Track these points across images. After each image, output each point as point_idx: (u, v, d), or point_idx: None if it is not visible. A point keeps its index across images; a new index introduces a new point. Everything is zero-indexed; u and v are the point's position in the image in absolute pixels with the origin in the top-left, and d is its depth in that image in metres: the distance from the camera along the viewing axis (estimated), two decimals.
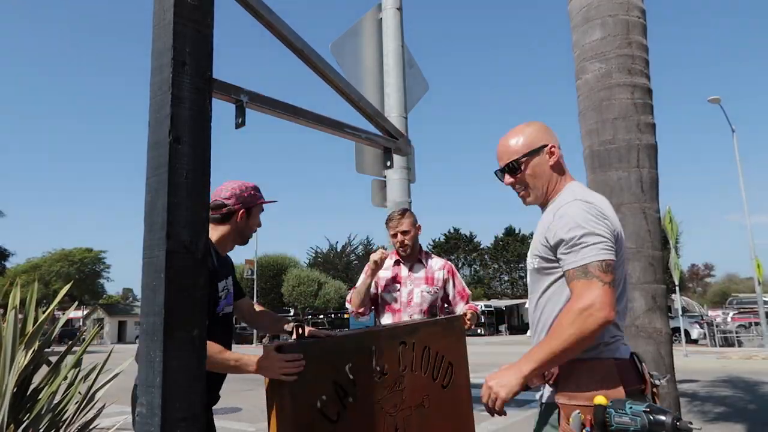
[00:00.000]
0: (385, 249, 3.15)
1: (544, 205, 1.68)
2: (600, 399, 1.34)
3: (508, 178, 1.67)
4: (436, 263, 3.22)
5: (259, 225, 2.21)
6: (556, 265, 1.51)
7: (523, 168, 1.64)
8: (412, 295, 3.09)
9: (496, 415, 1.46)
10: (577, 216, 1.45)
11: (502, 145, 1.68)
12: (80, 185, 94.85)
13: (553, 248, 1.49)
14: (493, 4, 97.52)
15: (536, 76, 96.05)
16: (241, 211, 2.10)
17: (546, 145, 1.64)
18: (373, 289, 3.12)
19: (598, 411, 1.33)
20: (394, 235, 3.10)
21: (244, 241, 2.19)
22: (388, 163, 2.72)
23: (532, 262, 1.60)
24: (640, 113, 3.72)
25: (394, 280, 3.14)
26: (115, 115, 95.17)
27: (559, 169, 1.66)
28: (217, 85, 1.73)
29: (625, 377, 1.41)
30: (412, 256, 3.15)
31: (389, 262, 3.19)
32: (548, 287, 1.54)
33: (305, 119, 2.08)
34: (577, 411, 1.37)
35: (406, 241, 3.09)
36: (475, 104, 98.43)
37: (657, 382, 1.49)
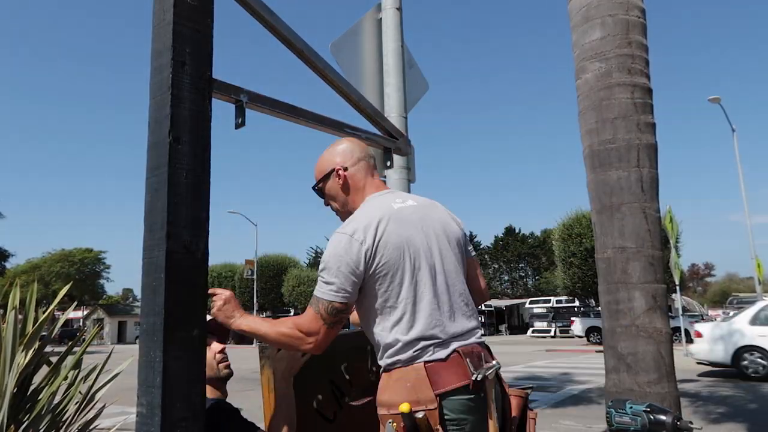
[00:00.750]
0: None
1: None
2: (404, 407, 1.37)
3: (322, 202, 1.82)
4: None
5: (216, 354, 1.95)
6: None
7: (322, 193, 1.79)
8: None
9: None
10: (328, 249, 1.56)
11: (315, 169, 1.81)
12: (80, 185, 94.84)
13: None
14: (493, 4, 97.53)
15: (536, 75, 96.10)
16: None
17: (333, 170, 1.73)
18: None
19: (405, 418, 1.37)
20: None
21: (221, 378, 1.95)
22: (388, 163, 2.72)
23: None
24: (640, 113, 3.72)
25: None
26: (115, 114, 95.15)
27: (349, 188, 1.73)
28: (217, 85, 1.73)
29: (436, 379, 1.43)
30: None
31: None
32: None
33: (305, 119, 2.08)
34: (390, 420, 1.42)
35: None
36: (475, 104, 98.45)
37: (484, 373, 1.47)
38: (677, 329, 17.47)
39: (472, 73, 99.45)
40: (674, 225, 15.59)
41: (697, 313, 28.33)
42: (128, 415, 5.29)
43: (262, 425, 1.76)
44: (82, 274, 48.47)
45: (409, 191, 3.68)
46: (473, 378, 1.43)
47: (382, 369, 1.56)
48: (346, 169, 1.74)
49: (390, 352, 1.51)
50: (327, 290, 1.52)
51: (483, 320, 37.55)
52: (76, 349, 3.07)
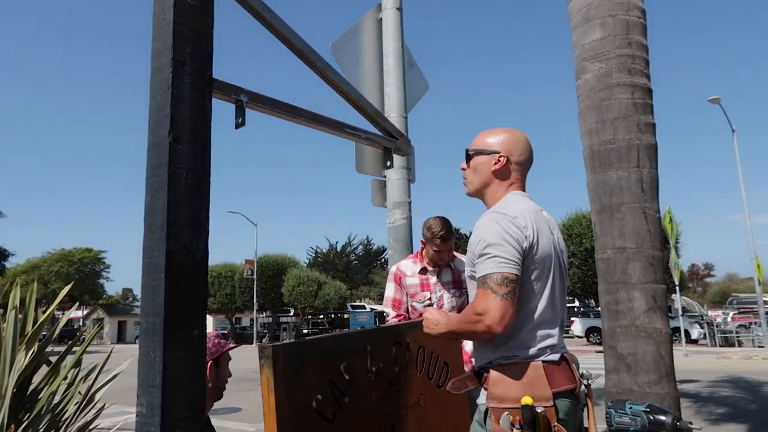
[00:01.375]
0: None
1: (486, 205, 1.80)
2: (526, 399, 1.42)
3: (462, 163, 1.83)
4: (460, 263, 3.17)
5: (230, 375, 2.06)
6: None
7: (470, 161, 1.79)
8: (443, 301, 3.09)
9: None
10: (486, 228, 1.57)
11: (477, 135, 1.82)
12: (80, 185, 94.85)
13: (472, 257, 1.62)
14: (492, 4, 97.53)
15: (536, 75, 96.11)
16: (209, 363, 1.96)
17: (497, 152, 1.74)
18: (403, 298, 3.13)
19: (525, 410, 1.41)
20: (434, 250, 3.02)
21: (219, 396, 2.02)
22: (388, 163, 2.72)
23: (466, 270, 1.72)
24: (640, 113, 3.72)
25: (423, 287, 3.12)
26: (115, 114, 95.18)
27: (501, 175, 1.74)
28: (217, 85, 1.73)
29: (552, 379, 1.50)
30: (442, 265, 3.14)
31: (415, 268, 3.16)
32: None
33: (305, 119, 2.08)
34: (506, 413, 1.45)
35: (443, 257, 3.07)
36: (475, 104, 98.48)
37: (586, 382, 1.59)
38: (677, 329, 17.48)
39: (472, 73, 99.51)
40: (674, 225, 15.59)
41: (696, 314, 28.32)
42: (128, 415, 5.30)
43: (261, 425, 1.76)
44: (82, 273, 48.43)
45: (409, 191, 3.68)
46: (583, 383, 1.55)
47: (490, 362, 1.57)
48: (509, 161, 1.74)
49: (510, 345, 1.55)
50: (494, 264, 1.51)
51: None
52: (75, 348, 3.07)
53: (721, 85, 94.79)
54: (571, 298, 28.99)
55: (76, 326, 46.21)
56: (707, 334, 22.35)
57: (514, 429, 1.43)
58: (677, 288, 16.04)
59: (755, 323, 21.59)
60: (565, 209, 50.46)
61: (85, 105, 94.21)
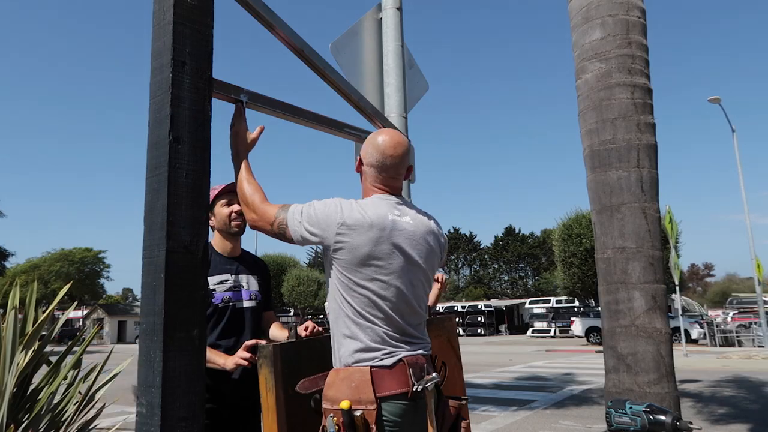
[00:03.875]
0: None
1: None
2: (344, 404, 1.49)
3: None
4: None
5: (233, 213, 2.34)
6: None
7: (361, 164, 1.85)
8: None
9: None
10: (326, 201, 1.71)
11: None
12: (80, 185, 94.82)
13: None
14: (492, 4, 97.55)
15: (536, 75, 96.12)
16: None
17: (361, 156, 1.82)
18: None
19: (345, 414, 1.49)
20: None
21: (232, 233, 2.38)
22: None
23: None
24: (640, 113, 3.72)
25: None
26: (115, 114, 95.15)
27: (363, 177, 1.82)
28: (217, 85, 1.73)
29: (380, 383, 1.55)
30: None
31: None
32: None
33: (305, 119, 2.08)
34: (332, 415, 1.53)
35: None
36: (475, 104, 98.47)
37: (424, 385, 1.60)
38: (677, 329, 17.48)
39: (472, 73, 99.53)
40: (674, 225, 15.59)
41: (696, 314, 28.31)
42: (128, 415, 5.29)
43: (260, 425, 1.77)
44: (81, 273, 48.42)
45: (409, 191, 3.68)
46: (414, 388, 1.57)
47: (335, 364, 1.67)
48: (361, 163, 1.82)
49: (344, 351, 1.63)
50: (298, 220, 1.66)
51: (483, 320, 37.54)
52: (75, 348, 3.07)
53: (721, 85, 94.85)
54: (571, 298, 28.99)
55: (76, 326, 46.18)
56: (707, 334, 22.35)
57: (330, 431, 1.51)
58: (677, 288, 16.03)
59: (755, 323, 21.58)
60: (565, 209, 50.49)
61: (86, 104, 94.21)
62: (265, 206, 1.65)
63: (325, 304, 1.97)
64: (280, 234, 1.65)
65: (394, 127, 2.66)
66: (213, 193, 2.33)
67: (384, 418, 1.52)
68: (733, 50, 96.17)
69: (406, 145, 1.78)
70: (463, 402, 1.78)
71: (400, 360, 1.60)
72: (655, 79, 3.90)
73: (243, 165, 1.78)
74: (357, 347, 1.60)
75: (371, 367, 1.57)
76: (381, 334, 1.61)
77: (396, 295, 1.65)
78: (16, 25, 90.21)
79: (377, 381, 1.55)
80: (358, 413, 1.49)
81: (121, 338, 50.27)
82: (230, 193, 2.36)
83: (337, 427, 1.50)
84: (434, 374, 1.65)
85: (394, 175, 1.77)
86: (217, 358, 2.10)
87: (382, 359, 1.59)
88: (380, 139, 1.77)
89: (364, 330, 1.61)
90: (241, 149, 1.80)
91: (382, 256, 1.64)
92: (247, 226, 1.80)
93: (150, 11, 1.49)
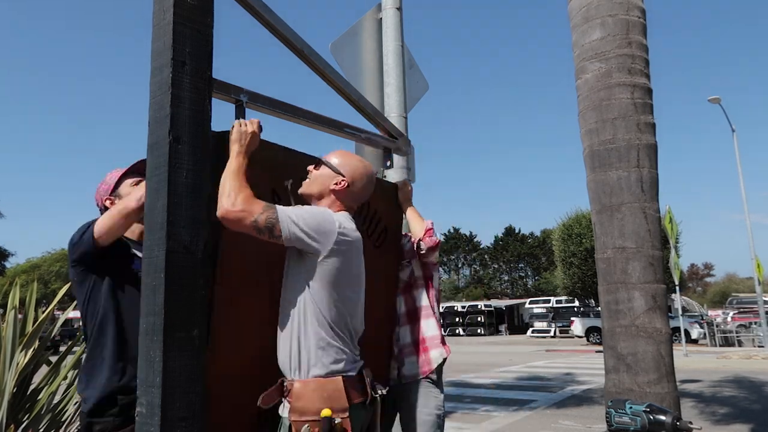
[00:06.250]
0: None
1: None
2: (326, 412, 1.57)
3: (312, 166, 1.89)
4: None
5: (139, 196, 1.94)
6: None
7: (320, 169, 1.87)
8: None
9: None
10: (311, 209, 1.74)
11: (337, 151, 1.92)
12: (80, 185, 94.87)
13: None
14: (492, 4, 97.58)
15: (536, 75, 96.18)
16: (109, 199, 2.08)
17: (343, 176, 1.85)
18: None
19: (325, 422, 1.57)
20: None
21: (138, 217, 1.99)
22: (388, 163, 2.72)
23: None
24: (640, 113, 3.72)
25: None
26: (115, 114, 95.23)
27: (337, 195, 1.85)
28: (217, 85, 1.73)
29: (351, 392, 1.65)
30: None
31: None
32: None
33: (305, 119, 2.08)
34: (306, 425, 1.58)
35: None
36: (475, 104, 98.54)
37: (381, 392, 1.78)
38: (677, 329, 17.48)
39: (472, 73, 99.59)
40: (674, 225, 15.59)
41: (696, 314, 28.30)
42: None
43: None
44: None
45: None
46: (375, 395, 1.72)
47: (294, 376, 1.68)
48: (348, 186, 1.86)
49: (314, 362, 1.66)
50: (291, 219, 1.63)
51: (483, 320, 37.53)
52: (75, 348, 3.07)
53: (721, 85, 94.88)
54: (571, 298, 28.98)
55: (76, 326, 46.17)
56: (707, 334, 22.34)
57: None
58: (677, 288, 16.03)
59: (755, 323, 21.58)
60: (565, 209, 50.51)
61: (86, 104, 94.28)
62: (252, 199, 1.63)
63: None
64: (266, 228, 1.61)
65: (394, 128, 2.66)
66: (117, 174, 2.12)
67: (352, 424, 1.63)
68: (733, 50, 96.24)
69: None
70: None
71: (361, 370, 1.74)
72: (655, 79, 3.91)
73: (243, 161, 1.69)
74: (331, 359, 1.67)
75: (343, 377, 1.66)
76: (349, 347, 1.73)
77: (358, 312, 1.79)
78: (16, 24, 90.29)
79: (348, 390, 1.65)
80: (337, 420, 1.59)
81: None
82: (137, 173, 2.12)
83: None
84: (378, 385, 1.80)
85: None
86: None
87: (349, 370, 1.70)
88: (370, 172, 1.93)
89: (338, 342, 1.69)
90: (250, 148, 1.74)
91: (359, 274, 1.80)
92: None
93: (150, 11, 1.49)
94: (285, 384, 1.70)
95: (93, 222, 1.90)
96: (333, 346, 1.68)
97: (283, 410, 1.67)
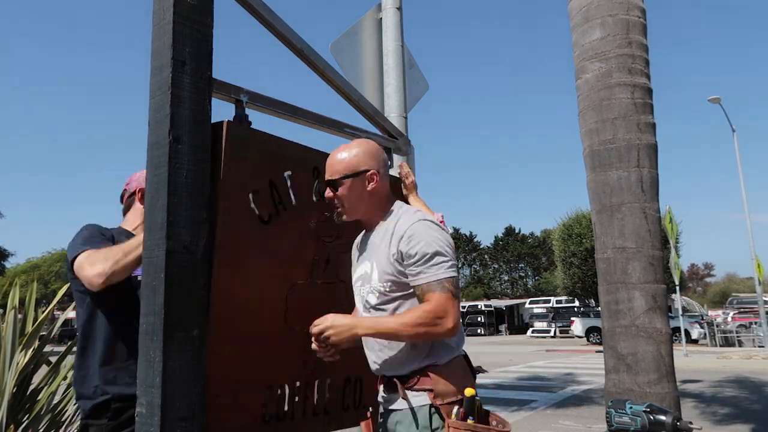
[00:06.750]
0: None
1: (370, 227, 1.78)
2: (469, 391, 1.54)
3: (328, 192, 1.74)
4: None
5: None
6: (406, 281, 1.63)
7: (341, 188, 1.71)
8: None
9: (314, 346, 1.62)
10: (424, 235, 1.60)
11: (330, 158, 1.74)
12: (80, 184, 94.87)
13: (405, 266, 1.62)
14: (492, 4, 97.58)
15: (536, 75, 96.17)
16: (139, 189, 2.04)
17: (367, 170, 1.70)
18: None
19: (468, 402, 1.54)
20: None
21: None
22: (388, 164, 2.71)
23: (382, 285, 1.66)
24: (640, 113, 3.72)
25: None
26: (115, 113, 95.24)
27: (379, 193, 1.73)
28: (217, 85, 1.73)
29: (471, 369, 1.70)
30: None
31: None
32: (398, 306, 1.66)
33: (305, 119, 2.08)
34: (456, 407, 1.56)
35: None
36: (475, 103, 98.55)
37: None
38: (677, 329, 17.48)
39: (472, 73, 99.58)
40: (674, 225, 15.59)
41: (696, 314, 28.30)
42: None
43: None
44: None
45: None
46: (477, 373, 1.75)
47: (425, 366, 1.62)
48: (378, 173, 1.72)
49: (440, 346, 1.63)
50: (447, 267, 1.58)
51: (483, 320, 37.52)
52: (75, 349, 3.06)
53: (721, 85, 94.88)
54: (571, 298, 28.98)
55: (75, 326, 46.12)
56: (707, 334, 22.34)
57: (469, 419, 1.53)
58: (677, 288, 16.03)
59: (755, 323, 21.58)
60: (565, 209, 50.50)
61: (85, 104, 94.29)
62: (429, 308, 1.57)
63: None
64: (458, 290, 1.68)
65: (394, 128, 2.66)
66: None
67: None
68: (733, 50, 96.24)
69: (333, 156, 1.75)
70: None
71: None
72: (655, 79, 3.91)
73: (376, 327, 1.60)
74: (447, 347, 1.66)
75: (462, 356, 1.69)
76: None
77: None
78: (16, 21, 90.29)
79: (469, 367, 1.70)
80: (477, 398, 1.57)
81: None
82: None
83: (467, 416, 1.55)
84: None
85: None
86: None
87: (461, 350, 1.72)
88: (374, 144, 1.83)
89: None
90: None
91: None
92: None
93: (150, 11, 1.49)
94: (398, 377, 1.64)
95: (91, 243, 1.81)
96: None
97: (415, 399, 1.61)
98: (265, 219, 1.76)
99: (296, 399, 1.85)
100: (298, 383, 1.86)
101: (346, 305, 1.89)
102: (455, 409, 1.55)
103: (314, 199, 1.95)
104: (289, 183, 1.86)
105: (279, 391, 1.80)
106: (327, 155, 1.85)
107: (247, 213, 1.70)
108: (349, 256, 1.91)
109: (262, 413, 1.73)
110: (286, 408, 1.82)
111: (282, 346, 1.79)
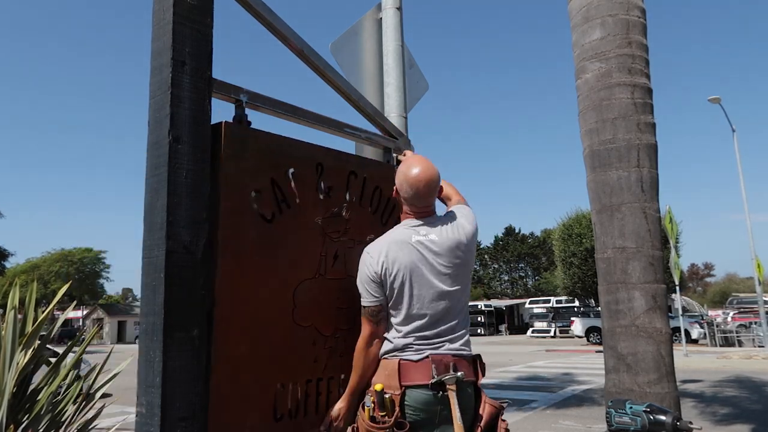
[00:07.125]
0: None
1: None
2: (378, 386, 1.76)
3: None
4: None
5: None
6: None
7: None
8: None
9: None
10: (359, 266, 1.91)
11: (434, 173, 1.97)
12: (80, 184, 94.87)
13: None
14: (492, 4, 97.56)
15: (536, 75, 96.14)
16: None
17: (395, 186, 2.01)
18: None
19: (377, 395, 1.75)
20: None
21: None
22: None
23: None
24: (640, 113, 3.72)
25: None
26: (116, 113, 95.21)
27: (401, 205, 2.01)
28: (217, 85, 1.73)
29: (405, 374, 1.79)
30: None
31: None
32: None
33: (305, 119, 2.08)
34: (369, 395, 1.77)
35: None
36: (475, 104, 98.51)
37: (436, 379, 1.81)
38: (677, 329, 17.48)
39: (472, 73, 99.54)
40: (674, 225, 15.59)
41: (696, 314, 28.32)
42: (128, 414, 5.29)
43: None
44: (81, 273, 48.41)
45: None
46: (433, 380, 1.77)
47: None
48: (398, 193, 1.99)
49: (387, 346, 1.87)
50: (363, 300, 1.86)
51: (483, 320, 37.52)
52: (75, 348, 3.07)
53: (721, 85, 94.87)
54: (571, 298, 28.98)
55: (75, 326, 46.17)
56: (707, 334, 22.34)
57: (367, 406, 1.77)
58: (677, 288, 16.03)
59: (755, 323, 21.57)
60: (565, 209, 50.49)
61: (85, 104, 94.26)
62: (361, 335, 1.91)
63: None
64: (379, 317, 1.92)
65: (394, 128, 2.66)
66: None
67: (406, 402, 1.77)
68: (734, 49, 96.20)
69: (430, 177, 1.93)
70: (504, 404, 1.94)
71: (427, 356, 1.82)
72: (655, 79, 3.91)
73: (352, 385, 1.94)
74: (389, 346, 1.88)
75: (401, 360, 1.83)
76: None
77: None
78: (16, 21, 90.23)
79: (403, 372, 1.80)
80: (387, 395, 1.76)
81: (120, 338, 50.27)
82: None
83: (372, 405, 1.76)
84: (460, 373, 1.82)
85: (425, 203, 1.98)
86: None
87: (411, 355, 1.84)
88: (411, 174, 1.93)
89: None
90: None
91: (405, 271, 1.96)
92: None
93: (150, 11, 1.49)
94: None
95: None
96: (400, 333, 1.87)
97: None
98: (268, 218, 1.75)
99: (308, 396, 1.85)
100: (308, 380, 1.86)
101: (356, 301, 1.90)
102: (367, 396, 1.77)
103: (320, 196, 1.93)
104: (292, 180, 1.86)
105: (290, 389, 1.79)
106: (329, 151, 1.85)
107: (249, 213, 1.69)
108: (359, 252, 1.96)
109: (273, 412, 1.73)
110: (297, 406, 1.81)
111: (292, 343, 1.79)
